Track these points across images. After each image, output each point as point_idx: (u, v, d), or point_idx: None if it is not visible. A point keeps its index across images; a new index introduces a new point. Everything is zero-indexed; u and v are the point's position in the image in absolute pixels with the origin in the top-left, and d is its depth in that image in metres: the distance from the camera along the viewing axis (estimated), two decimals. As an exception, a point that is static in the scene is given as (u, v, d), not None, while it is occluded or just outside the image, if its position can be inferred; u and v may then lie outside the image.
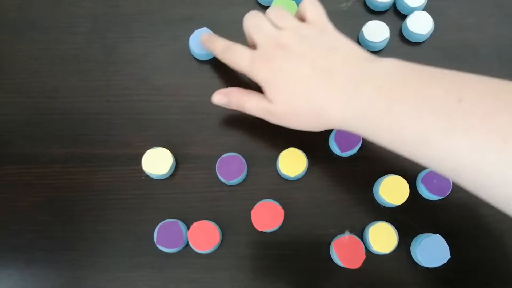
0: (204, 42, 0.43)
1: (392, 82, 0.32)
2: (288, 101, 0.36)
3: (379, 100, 0.31)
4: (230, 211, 0.42)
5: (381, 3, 0.45)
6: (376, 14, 0.47)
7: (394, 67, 0.33)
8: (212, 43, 0.42)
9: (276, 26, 0.38)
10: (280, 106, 0.37)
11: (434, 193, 0.41)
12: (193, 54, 0.45)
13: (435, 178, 0.41)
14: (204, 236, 0.40)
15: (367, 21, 0.45)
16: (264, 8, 0.47)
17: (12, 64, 0.46)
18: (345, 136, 0.42)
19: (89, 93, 0.45)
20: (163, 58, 0.45)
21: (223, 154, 0.42)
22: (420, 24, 0.44)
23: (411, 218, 0.42)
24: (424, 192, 0.42)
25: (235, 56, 0.39)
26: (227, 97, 0.40)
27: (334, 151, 0.43)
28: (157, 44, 0.46)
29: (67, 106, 0.44)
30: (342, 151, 0.42)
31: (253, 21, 0.39)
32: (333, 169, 0.43)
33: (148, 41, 0.46)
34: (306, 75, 0.35)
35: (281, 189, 0.43)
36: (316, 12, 0.39)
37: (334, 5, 0.47)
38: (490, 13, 0.47)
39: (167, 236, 0.40)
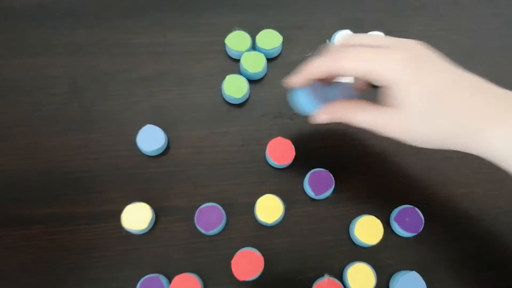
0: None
1: None
2: (424, 109, 0.31)
3: None
4: (211, 262, 0.43)
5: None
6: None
7: None
8: (310, 68, 0.36)
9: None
10: (410, 114, 0.32)
11: (407, 231, 0.43)
12: (142, 152, 0.45)
13: (407, 216, 0.43)
14: None
15: (332, 68, 0.47)
16: (234, 61, 0.49)
17: (-6, 128, 0.47)
18: (319, 180, 0.44)
19: (69, 152, 0.46)
20: (140, 114, 0.47)
21: (201, 204, 0.43)
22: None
23: (387, 256, 0.43)
24: (398, 230, 0.43)
25: (353, 55, 0.33)
26: (330, 116, 0.37)
27: (309, 194, 0.44)
28: (133, 100, 0.48)
29: (47, 166, 0.45)
30: (316, 194, 0.43)
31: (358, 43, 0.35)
32: (309, 213, 0.44)
33: (125, 98, 0.48)
34: (452, 81, 0.32)
35: (260, 235, 0.44)
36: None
37: (301, 55, 0.49)
38: (447, 53, 0.49)
39: None
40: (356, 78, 0.40)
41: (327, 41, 0.49)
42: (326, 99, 0.37)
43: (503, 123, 0.31)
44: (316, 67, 0.35)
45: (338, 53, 0.34)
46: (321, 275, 0.42)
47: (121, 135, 0.46)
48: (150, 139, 0.45)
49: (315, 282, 0.41)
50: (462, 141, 0.32)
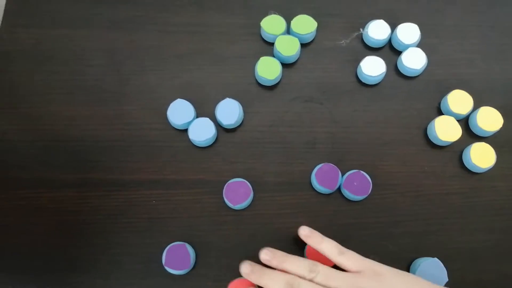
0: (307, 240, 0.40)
1: None
2: None
3: None
4: (235, 235, 0.44)
5: (378, 40, 0.49)
6: (373, 50, 0.50)
7: None
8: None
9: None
10: None
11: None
12: (172, 125, 0.46)
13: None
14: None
15: (364, 56, 0.48)
16: (268, 44, 0.50)
17: (31, 94, 0.48)
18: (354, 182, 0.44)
19: (103, 122, 0.47)
20: (173, 90, 0.48)
21: (230, 179, 0.44)
22: (414, 60, 0.48)
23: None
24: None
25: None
26: None
27: (347, 196, 0.45)
28: (168, 76, 0.49)
29: (82, 134, 0.47)
30: (357, 195, 0.44)
31: None
32: (344, 214, 0.45)
33: (159, 74, 0.49)
34: None
35: (285, 214, 0.44)
36: (353, 261, 0.37)
37: (334, 42, 0.50)
38: (478, 49, 0.50)
39: (175, 258, 0.41)
40: None
41: (361, 30, 0.50)
42: None
43: None
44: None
45: (262, 273, 0.37)
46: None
47: (154, 108, 0.48)
48: (181, 112, 0.46)
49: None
50: None
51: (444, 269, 0.41)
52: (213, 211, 0.44)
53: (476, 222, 0.45)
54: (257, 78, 0.48)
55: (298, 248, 0.43)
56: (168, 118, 0.46)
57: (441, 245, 0.44)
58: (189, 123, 0.46)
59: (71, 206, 0.45)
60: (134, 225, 0.44)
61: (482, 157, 0.45)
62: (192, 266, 0.42)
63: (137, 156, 0.46)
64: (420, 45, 0.49)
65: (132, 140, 0.47)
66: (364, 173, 0.44)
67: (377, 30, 0.49)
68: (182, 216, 0.44)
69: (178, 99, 0.46)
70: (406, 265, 0.43)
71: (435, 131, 0.45)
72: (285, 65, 0.49)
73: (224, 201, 0.44)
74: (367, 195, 0.44)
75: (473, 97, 0.47)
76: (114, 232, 0.44)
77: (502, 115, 0.46)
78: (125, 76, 0.49)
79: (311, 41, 0.50)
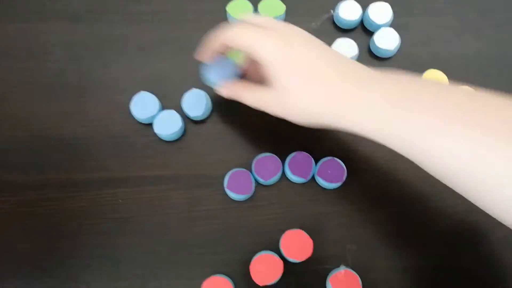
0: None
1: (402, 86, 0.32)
2: (289, 83, 0.34)
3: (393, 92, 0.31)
4: (208, 230, 0.42)
5: (349, 21, 0.47)
6: (345, 32, 0.48)
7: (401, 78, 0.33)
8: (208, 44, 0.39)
9: None
10: (279, 90, 0.34)
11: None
12: (136, 119, 0.44)
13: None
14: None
15: (336, 39, 0.46)
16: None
17: (-12, 94, 0.46)
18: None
19: (64, 119, 0.45)
20: (137, 82, 0.46)
21: (198, 173, 0.43)
22: (387, 40, 0.46)
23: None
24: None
25: (239, 30, 0.36)
26: (228, 92, 0.40)
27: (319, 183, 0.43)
28: (131, 68, 0.47)
29: (43, 133, 0.44)
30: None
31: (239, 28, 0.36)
32: (319, 203, 0.43)
33: (122, 66, 0.47)
34: (316, 55, 0.34)
35: (260, 205, 0.43)
36: None
37: (304, 24, 0.47)
38: (454, 26, 0.49)
39: (237, 183, 0.42)
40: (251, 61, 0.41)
41: (331, 11, 0.48)
42: (226, 74, 0.40)
43: (361, 96, 0.32)
44: (213, 39, 0.38)
45: (229, 27, 0.37)
46: (337, 266, 0.41)
47: (117, 103, 0.45)
48: (144, 106, 0.44)
49: (331, 273, 0.40)
50: (331, 117, 0.33)
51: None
52: (183, 208, 0.42)
53: (456, 203, 0.44)
54: (224, 65, 0.46)
55: (272, 241, 0.41)
56: (131, 112, 0.44)
57: (422, 229, 0.43)
58: (154, 116, 0.44)
59: (35, 209, 0.42)
60: (101, 226, 0.42)
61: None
62: (253, 192, 0.42)
63: (101, 154, 0.44)
64: (393, 24, 0.48)
65: (95, 137, 0.44)
66: (338, 160, 0.42)
67: (348, 11, 0.47)
68: (151, 214, 0.42)
69: (141, 91, 0.44)
70: (386, 252, 0.42)
71: (410, 113, 0.44)
72: (254, 51, 0.47)
73: (194, 197, 0.42)
74: (342, 182, 0.42)
75: (448, 76, 0.46)
76: (80, 235, 0.42)
77: (479, 94, 0.45)
78: (86, 70, 0.47)
79: (280, 25, 0.48)
